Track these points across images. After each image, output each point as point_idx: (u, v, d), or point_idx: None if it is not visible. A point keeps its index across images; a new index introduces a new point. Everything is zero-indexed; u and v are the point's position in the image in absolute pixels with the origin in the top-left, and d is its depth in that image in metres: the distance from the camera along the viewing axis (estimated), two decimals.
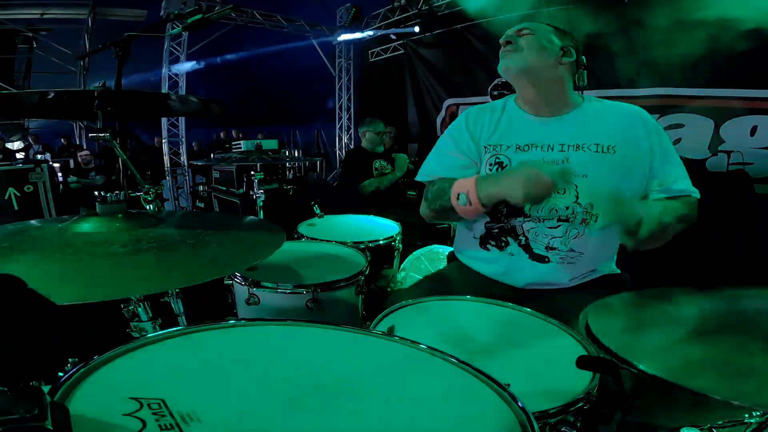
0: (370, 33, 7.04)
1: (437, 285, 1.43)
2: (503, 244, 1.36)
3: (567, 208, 1.27)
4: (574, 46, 1.34)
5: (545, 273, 1.31)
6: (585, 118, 1.31)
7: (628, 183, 1.25)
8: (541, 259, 1.30)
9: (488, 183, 1.21)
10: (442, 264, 1.85)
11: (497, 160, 1.34)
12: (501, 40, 1.34)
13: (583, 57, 1.38)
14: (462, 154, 1.40)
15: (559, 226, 1.28)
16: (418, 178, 1.48)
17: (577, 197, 1.26)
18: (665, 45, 4.05)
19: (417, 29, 6.66)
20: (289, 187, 4.63)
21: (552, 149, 1.29)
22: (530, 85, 1.33)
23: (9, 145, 7.92)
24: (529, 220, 1.31)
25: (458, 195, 1.25)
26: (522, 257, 1.32)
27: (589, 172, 1.25)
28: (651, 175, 1.28)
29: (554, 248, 1.29)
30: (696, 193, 1.28)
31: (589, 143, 1.27)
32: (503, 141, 1.35)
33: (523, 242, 1.32)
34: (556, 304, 1.24)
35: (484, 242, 1.40)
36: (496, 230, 1.37)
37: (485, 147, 1.37)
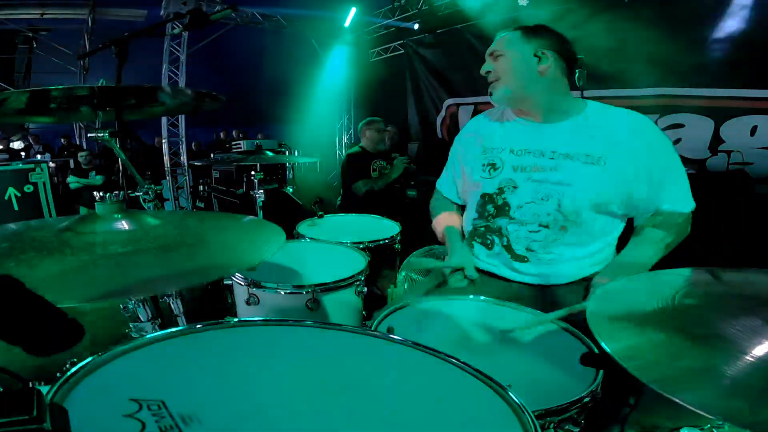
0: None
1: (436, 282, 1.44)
2: (489, 243, 1.39)
3: (548, 214, 1.27)
4: (550, 45, 1.28)
5: (525, 272, 1.33)
6: (580, 128, 1.29)
7: (614, 194, 1.24)
8: (522, 259, 1.33)
9: (446, 242, 1.46)
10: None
11: (490, 162, 1.38)
12: (481, 71, 1.38)
13: (582, 56, 1.38)
14: (458, 172, 1.54)
15: (539, 231, 1.29)
16: (437, 183, 1.66)
17: (560, 205, 1.26)
18: (665, 45, 4.05)
19: (416, 27, 6.66)
20: (288, 187, 4.63)
21: (543, 155, 1.30)
22: (520, 102, 1.35)
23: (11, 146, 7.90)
24: (513, 222, 1.33)
25: (434, 227, 1.56)
26: (505, 257, 1.35)
27: (575, 181, 1.24)
28: (648, 197, 1.25)
29: (533, 250, 1.31)
30: (688, 207, 1.27)
31: (580, 153, 1.26)
32: (499, 144, 1.39)
33: (505, 243, 1.35)
34: (553, 301, 1.26)
35: (470, 239, 1.44)
36: (483, 228, 1.40)
37: (483, 148, 1.42)
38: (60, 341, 0.47)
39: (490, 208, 1.37)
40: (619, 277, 1.15)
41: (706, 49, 3.87)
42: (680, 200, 1.26)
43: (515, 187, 1.32)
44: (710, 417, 0.49)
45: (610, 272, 1.22)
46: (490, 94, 1.36)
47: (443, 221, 1.53)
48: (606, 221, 1.29)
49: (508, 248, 1.34)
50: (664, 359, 0.60)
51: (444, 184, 1.62)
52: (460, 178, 1.54)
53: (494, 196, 1.36)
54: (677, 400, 0.50)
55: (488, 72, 1.35)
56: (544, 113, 1.33)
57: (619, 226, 1.34)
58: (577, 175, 1.25)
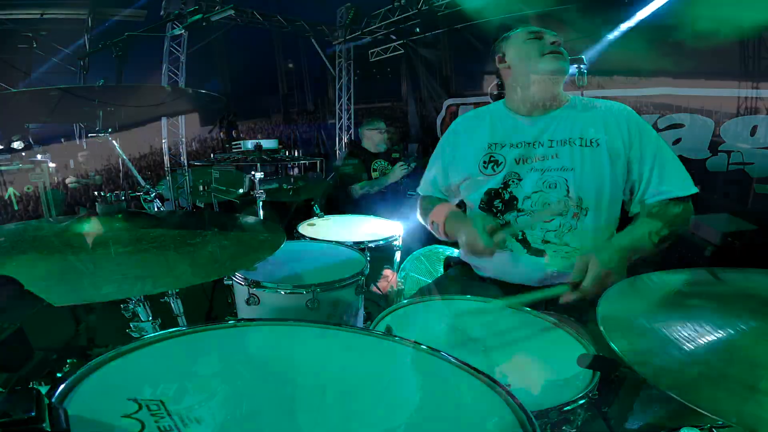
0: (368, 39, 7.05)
1: (438, 289, 1.44)
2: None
3: (559, 202, 1.30)
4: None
5: (544, 268, 1.32)
6: (571, 115, 1.35)
7: (613, 175, 1.29)
8: (539, 253, 1.32)
9: (451, 224, 1.35)
10: (442, 264, 1.85)
11: (492, 159, 1.38)
12: (551, 39, 1.35)
13: (584, 57, 1.40)
14: (447, 171, 1.50)
15: (552, 219, 1.31)
16: (419, 190, 1.61)
17: (568, 191, 1.29)
18: (666, 45, 4.05)
19: (417, 30, 6.66)
20: (289, 187, 4.62)
21: (542, 145, 1.34)
22: (544, 87, 1.35)
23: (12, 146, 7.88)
24: (523, 215, 1.33)
25: (432, 222, 1.42)
26: (521, 252, 1.34)
27: (576, 165, 1.29)
28: (639, 177, 1.29)
29: (549, 242, 1.31)
30: (688, 190, 1.26)
31: (575, 138, 1.31)
32: (497, 140, 1.40)
33: (520, 237, 1.34)
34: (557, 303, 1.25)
35: None
36: None
37: (480, 145, 1.42)
38: (58, 341, 0.47)
39: (497, 203, 1.37)
40: (610, 258, 1.11)
41: (707, 49, 3.87)
42: (678, 183, 1.26)
43: (520, 180, 1.34)
44: (713, 417, 0.48)
45: (600, 252, 1.13)
46: (561, 71, 1.34)
47: (441, 211, 1.41)
48: (613, 207, 1.32)
49: (524, 242, 1.33)
50: (673, 363, 0.59)
51: (426, 187, 1.59)
52: (447, 176, 1.51)
53: (500, 191, 1.37)
54: (691, 405, 0.49)
55: (557, 43, 1.35)
56: (545, 104, 1.37)
57: (619, 212, 1.36)
58: (577, 159, 1.29)
